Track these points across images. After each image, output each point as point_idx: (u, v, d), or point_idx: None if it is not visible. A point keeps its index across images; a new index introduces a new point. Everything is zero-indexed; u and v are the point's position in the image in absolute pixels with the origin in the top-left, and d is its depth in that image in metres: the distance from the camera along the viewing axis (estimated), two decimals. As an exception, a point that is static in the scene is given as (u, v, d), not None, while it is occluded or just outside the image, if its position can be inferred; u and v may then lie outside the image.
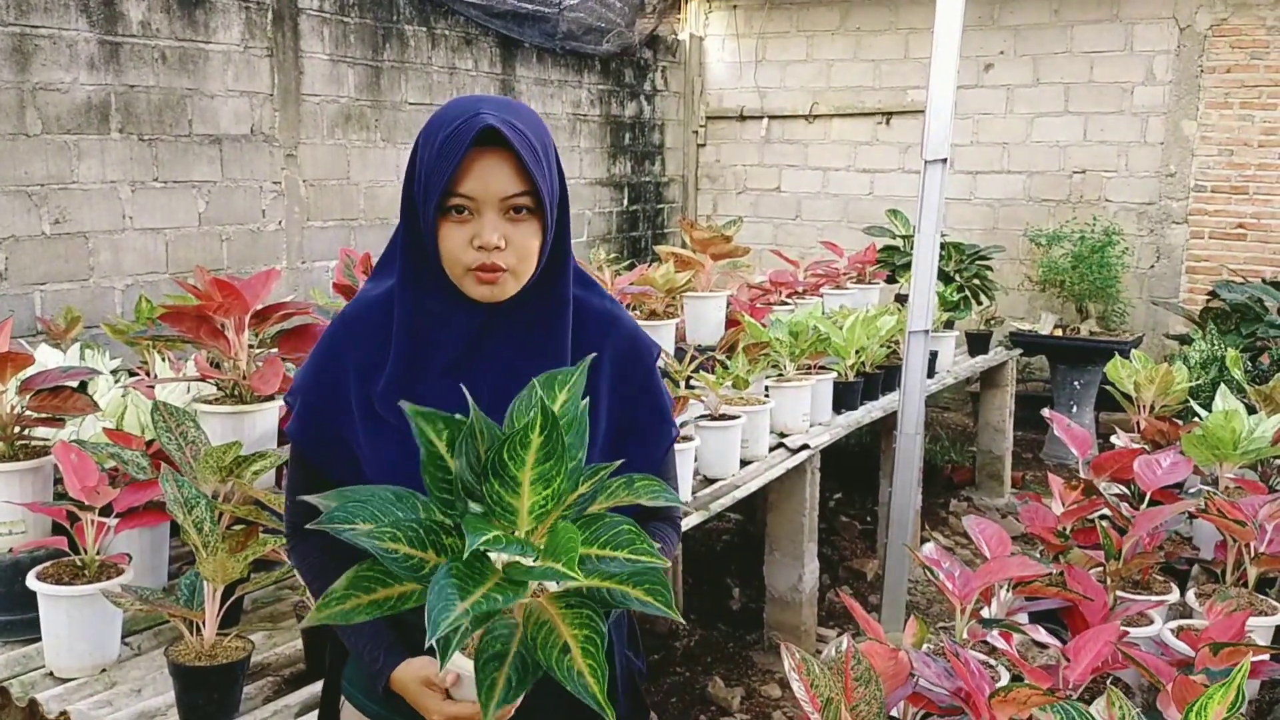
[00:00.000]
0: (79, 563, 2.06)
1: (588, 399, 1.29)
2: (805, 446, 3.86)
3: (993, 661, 1.82)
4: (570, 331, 1.49)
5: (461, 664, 1.28)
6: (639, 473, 1.32)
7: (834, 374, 4.21)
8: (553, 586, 1.23)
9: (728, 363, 3.68)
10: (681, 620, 1.21)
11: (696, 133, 8.41)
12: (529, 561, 1.17)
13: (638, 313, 4.04)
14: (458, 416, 1.22)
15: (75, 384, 2.30)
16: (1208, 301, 6.39)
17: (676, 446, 3.07)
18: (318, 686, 1.98)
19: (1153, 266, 7.01)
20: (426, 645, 1.07)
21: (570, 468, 1.20)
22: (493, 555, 1.20)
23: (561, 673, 1.12)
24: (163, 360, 2.95)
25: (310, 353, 1.53)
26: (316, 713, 1.68)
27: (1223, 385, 3.01)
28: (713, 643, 4.25)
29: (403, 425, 1.28)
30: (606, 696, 1.12)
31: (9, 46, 4.16)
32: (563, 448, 1.16)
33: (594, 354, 1.37)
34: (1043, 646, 1.89)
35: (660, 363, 2.50)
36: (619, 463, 1.28)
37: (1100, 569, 2.25)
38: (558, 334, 1.47)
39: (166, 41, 4.71)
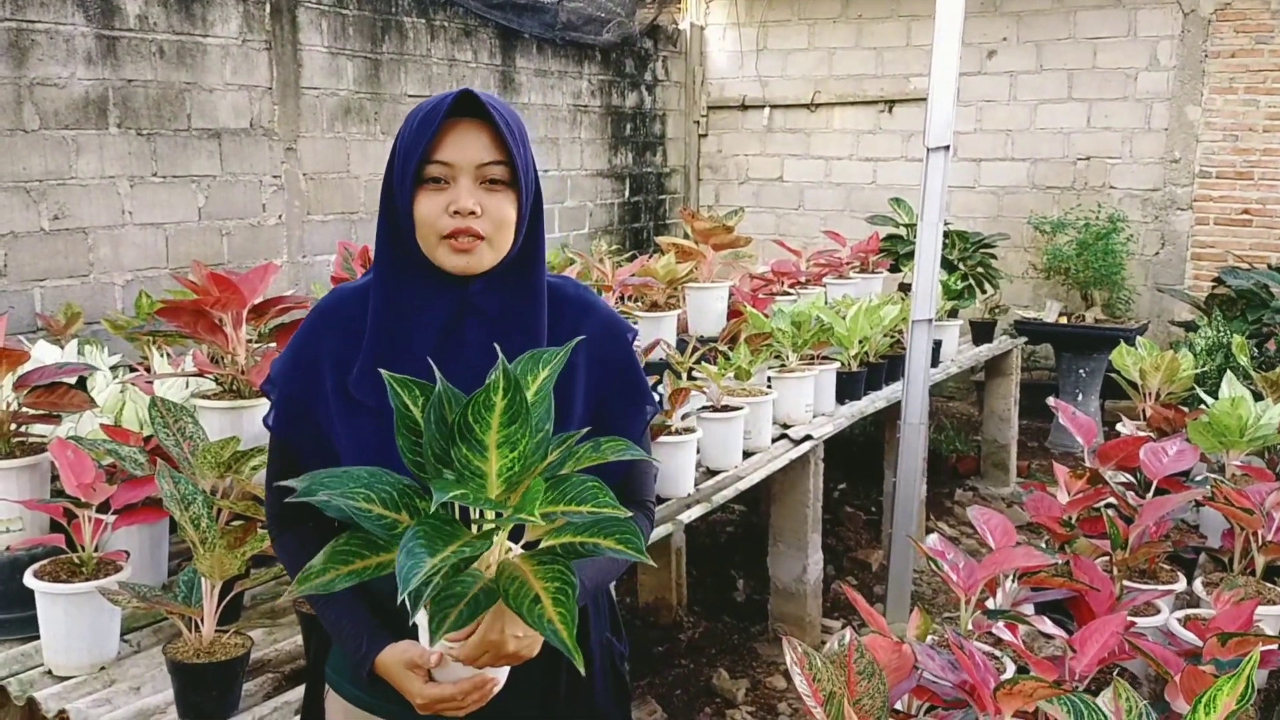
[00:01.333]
0: (77, 560, 2.04)
1: (558, 375, 1.31)
2: (808, 437, 3.84)
3: (998, 653, 1.80)
4: (546, 315, 1.51)
5: (445, 645, 1.30)
6: (612, 436, 1.33)
7: (837, 364, 4.19)
8: (523, 551, 1.27)
9: (730, 354, 3.66)
10: (651, 563, 1.24)
11: (698, 123, 8.38)
12: (495, 517, 1.21)
13: (639, 304, 4.02)
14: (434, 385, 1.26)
15: (72, 380, 2.29)
16: (1213, 288, 6.36)
17: (679, 439, 3.09)
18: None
19: (1158, 253, 6.98)
20: (398, 601, 1.10)
21: (539, 439, 1.24)
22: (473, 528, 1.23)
23: (533, 619, 1.15)
24: (161, 356, 2.93)
25: (285, 347, 1.55)
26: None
27: (1229, 372, 2.99)
28: (717, 634, 4.24)
29: (381, 410, 1.32)
30: (575, 640, 1.15)
31: (6, 41, 4.14)
32: (526, 410, 1.20)
33: (580, 337, 1.39)
34: (1048, 637, 1.87)
35: (661, 353, 2.46)
36: (585, 430, 1.31)
37: (1106, 558, 2.23)
38: (534, 318, 1.50)
39: (164, 35, 4.69)
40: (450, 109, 1.41)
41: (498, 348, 1.23)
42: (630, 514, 1.22)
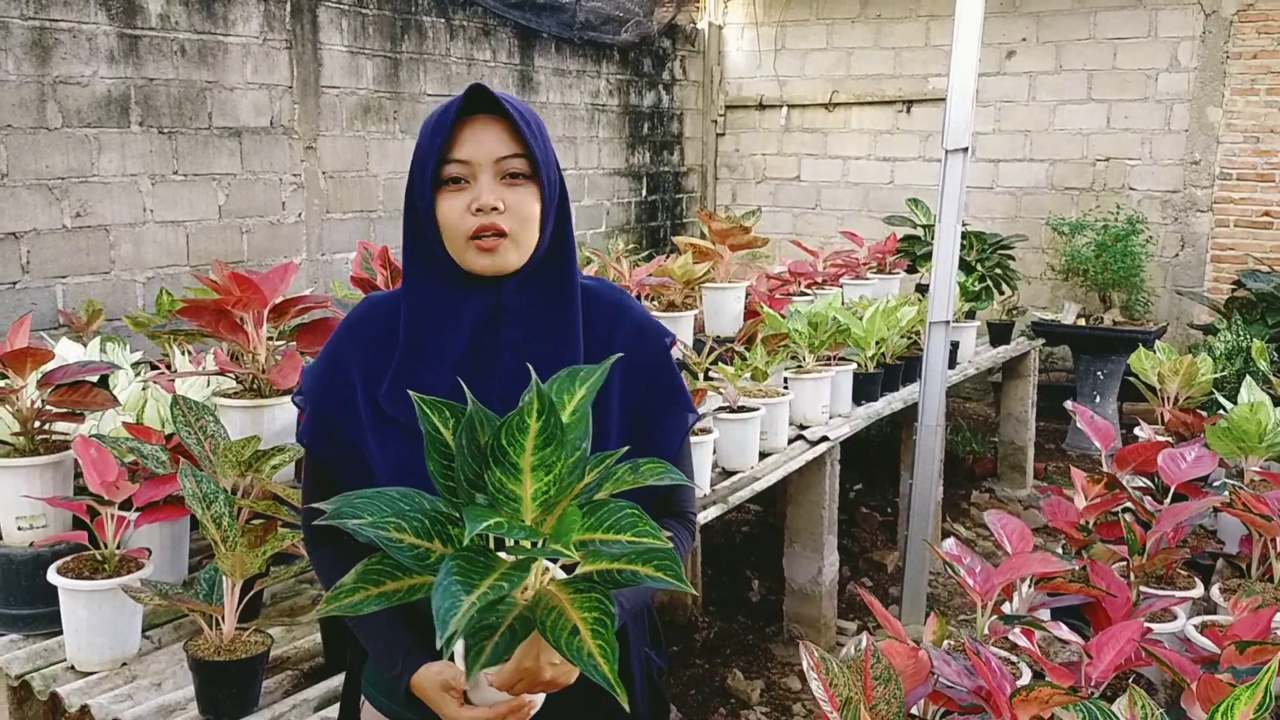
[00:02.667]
0: (99, 557, 2.07)
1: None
2: (825, 438, 3.84)
3: (1014, 658, 1.81)
4: (580, 318, 1.47)
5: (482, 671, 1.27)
6: (651, 457, 1.29)
7: (854, 365, 4.18)
8: (562, 576, 1.24)
9: (746, 354, 3.66)
10: (694, 593, 1.21)
11: (715, 122, 8.38)
12: (530, 546, 1.17)
13: (656, 304, 4.03)
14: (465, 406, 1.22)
15: (95, 379, 2.31)
16: (1233, 291, 6.32)
17: (695, 439, 3.09)
18: (336, 681, 1.99)
19: (1177, 255, 6.94)
20: (438, 646, 1.06)
21: (576, 459, 1.20)
22: (502, 552, 1.20)
23: (571, 653, 1.12)
24: (182, 354, 2.96)
25: (315, 358, 1.53)
26: (337, 710, 1.68)
27: (1248, 377, 2.98)
28: (732, 635, 4.25)
29: (412, 423, 1.28)
30: (618, 677, 1.11)
31: (29, 40, 4.17)
32: (562, 432, 1.16)
33: (618, 355, 1.34)
34: (1065, 643, 1.87)
35: (677, 353, 2.43)
36: (624, 450, 1.27)
37: (1123, 564, 2.23)
38: (568, 320, 1.46)
39: (185, 34, 4.72)
40: (464, 107, 1.39)
41: (531, 368, 1.18)
42: (670, 543, 1.17)
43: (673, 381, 1.55)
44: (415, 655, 1.37)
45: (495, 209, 1.38)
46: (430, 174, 1.39)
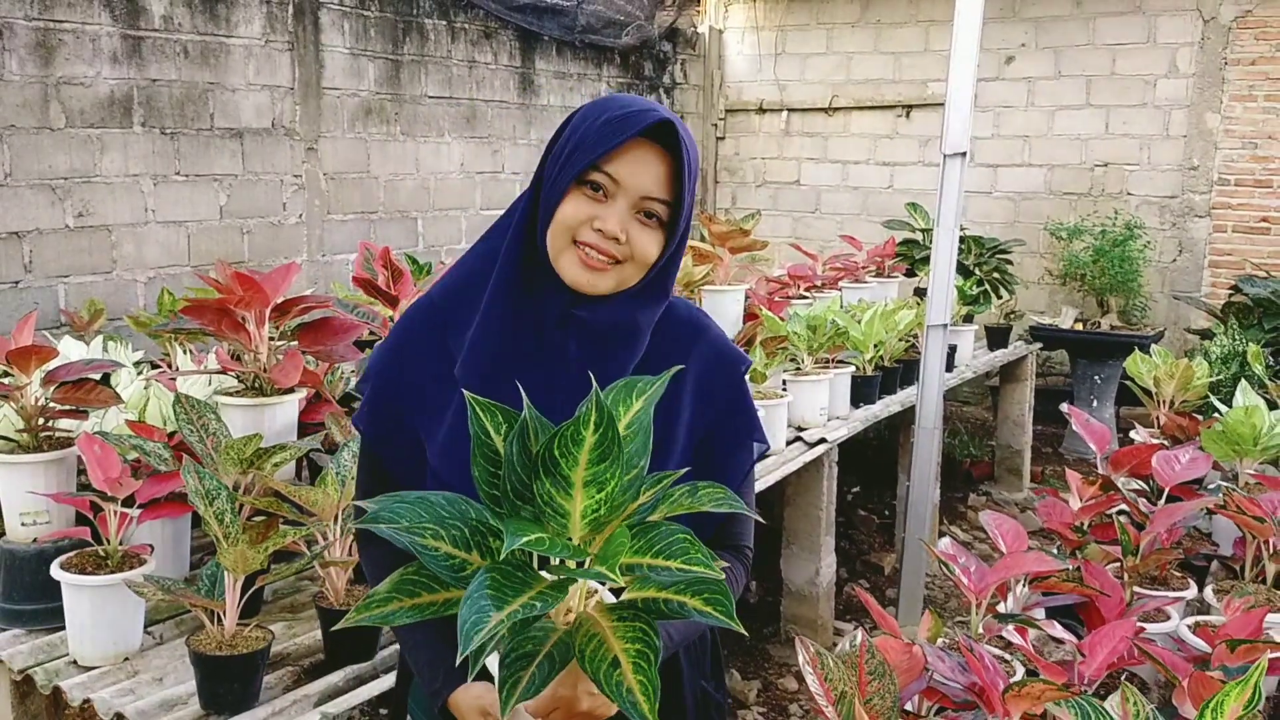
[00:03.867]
0: (102, 553, 2.08)
1: (660, 404, 1.21)
2: (823, 440, 3.85)
3: (1008, 656, 1.82)
4: (644, 349, 1.42)
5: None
6: (712, 482, 1.23)
7: (852, 368, 4.20)
8: (610, 599, 1.18)
9: (745, 356, 3.67)
10: (745, 632, 1.13)
11: (716, 125, 8.40)
12: (575, 566, 1.11)
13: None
14: (520, 412, 1.16)
15: (98, 376, 2.32)
16: (1230, 296, 6.33)
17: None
18: (336, 676, 2.01)
19: (1174, 260, 6.97)
20: (458, 660, 1.01)
21: (631, 477, 1.13)
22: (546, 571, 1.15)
23: (610, 688, 1.05)
24: (184, 353, 2.97)
25: (384, 338, 1.48)
26: (336, 705, 1.69)
27: (1244, 381, 3.00)
28: (729, 635, 4.26)
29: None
30: (656, 714, 1.05)
31: (33, 41, 4.20)
32: (619, 449, 1.10)
33: (679, 366, 1.29)
34: (1058, 642, 1.89)
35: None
36: (684, 470, 1.21)
37: (1117, 565, 2.24)
38: (640, 343, 1.41)
39: (188, 36, 4.75)
40: (645, 128, 1.30)
41: (592, 376, 1.13)
42: (723, 575, 1.10)
43: (745, 410, 1.49)
44: (456, 674, 1.30)
45: (616, 240, 1.32)
46: (576, 169, 1.31)
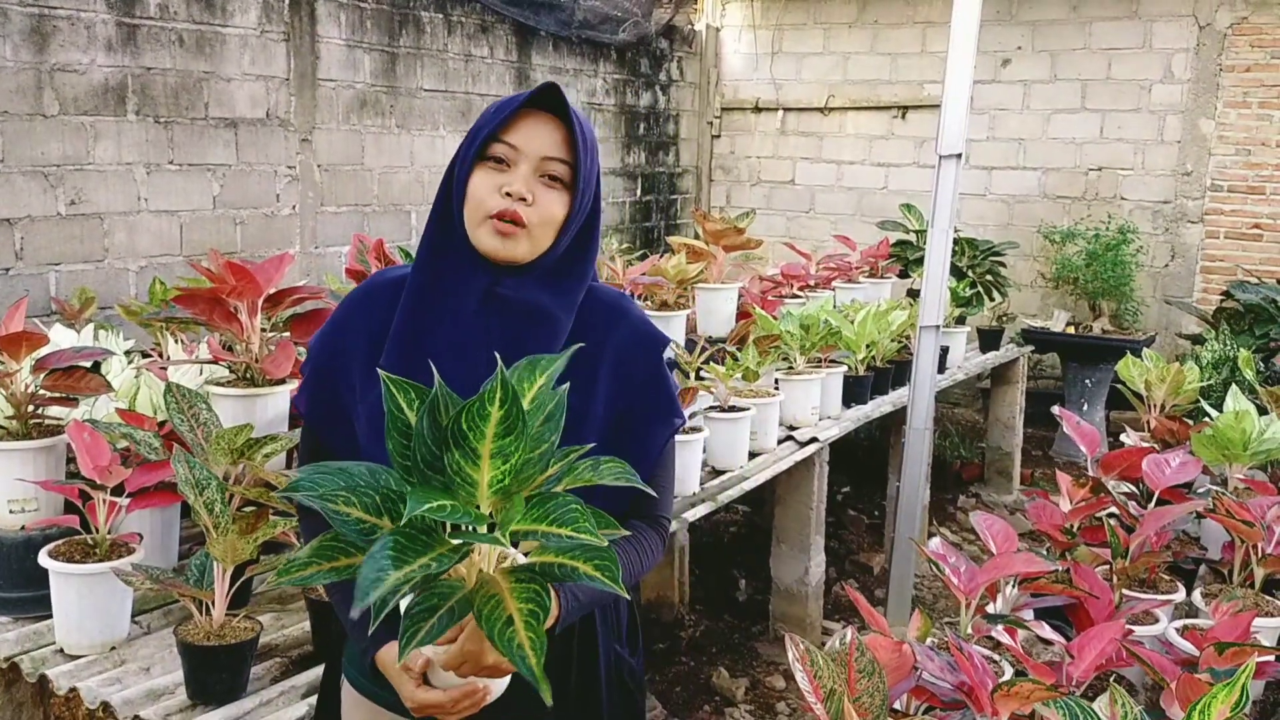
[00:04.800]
0: (90, 541, 2.07)
1: (566, 385, 1.28)
2: (814, 440, 3.86)
3: (997, 657, 1.83)
4: (571, 322, 1.50)
5: (431, 652, 1.30)
6: (627, 461, 1.30)
7: (844, 368, 4.21)
8: (510, 563, 1.26)
9: (738, 354, 3.68)
10: (625, 594, 1.21)
11: (711, 124, 8.40)
12: (478, 531, 1.19)
13: (649, 303, 4.04)
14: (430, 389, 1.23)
15: (89, 364, 2.32)
16: (1221, 301, 6.36)
17: (685, 438, 3.11)
18: (324, 668, 2.00)
19: (1167, 265, 6.99)
20: (353, 616, 1.09)
21: (541, 451, 1.21)
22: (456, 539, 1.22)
23: (502, 644, 1.12)
24: (175, 342, 2.96)
25: (325, 323, 1.57)
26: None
27: (1234, 386, 3.01)
28: (718, 633, 4.27)
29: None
30: (542, 669, 1.12)
31: (28, 27, 4.18)
32: (523, 423, 1.17)
33: (579, 344, 1.36)
34: (1047, 643, 1.90)
35: (669, 354, 2.46)
36: (590, 446, 1.29)
37: (1107, 567, 2.25)
38: (560, 321, 1.49)
39: (184, 24, 4.73)
40: (532, 99, 1.43)
41: (498, 356, 1.21)
42: (605, 542, 1.17)
43: (663, 388, 1.56)
44: (380, 632, 1.36)
45: (523, 199, 1.41)
46: (478, 146, 1.43)
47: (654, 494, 1.41)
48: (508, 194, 1.41)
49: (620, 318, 1.55)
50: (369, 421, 1.45)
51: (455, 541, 1.19)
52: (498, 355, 1.21)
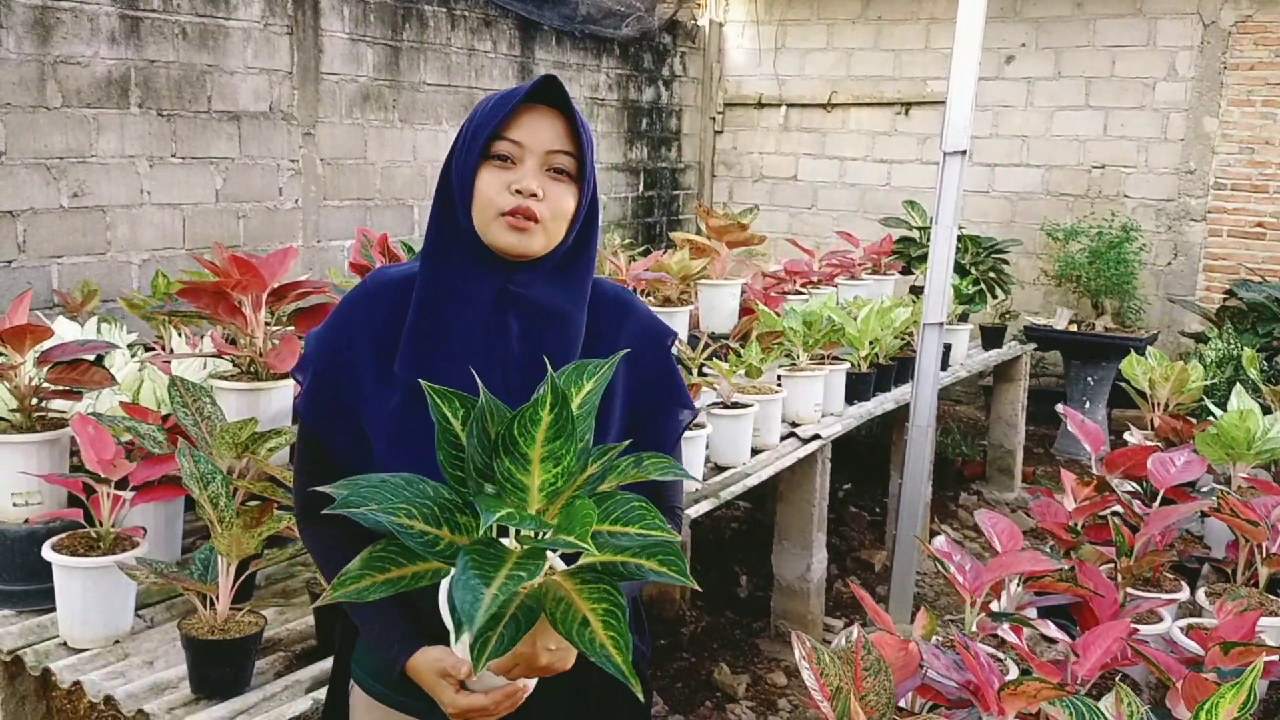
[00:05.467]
0: (94, 535, 2.07)
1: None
2: (816, 436, 3.85)
3: (1001, 655, 1.82)
4: (584, 319, 1.49)
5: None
6: (655, 453, 1.32)
7: (847, 365, 4.20)
8: (560, 565, 1.25)
9: (741, 351, 3.68)
10: (698, 587, 1.22)
11: (714, 119, 8.39)
12: (535, 535, 1.18)
13: (652, 299, 4.04)
14: (473, 397, 1.23)
15: (93, 357, 2.31)
16: (1225, 300, 6.37)
17: (688, 434, 3.10)
18: (328, 663, 2.00)
19: (1170, 264, 6.98)
20: (469, 643, 1.07)
21: (579, 448, 1.21)
22: (505, 540, 1.21)
23: (584, 644, 1.13)
24: (179, 336, 2.96)
25: (322, 323, 1.53)
26: (325, 691, 1.69)
27: (1238, 384, 3.00)
28: (719, 629, 4.27)
29: (419, 392, 1.29)
30: (630, 665, 1.13)
31: (31, 19, 4.17)
32: (572, 426, 1.18)
33: (625, 350, 1.38)
34: (1051, 641, 1.90)
35: (673, 349, 2.45)
36: (627, 443, 1.30)
37: (1111, 565, 2.25)
38: (575, 316, 1.48)
39: (187, 17, 4.72)
40: (530, 94, 1.42)
41: (548, 360, 1.21)
42: (678, 537, 1.19)
43: (673, 380, 1.57)
44: (411, 639, 1.38)
45: (535, 195, 1.40)
46: (481, 144, 1.41)
47: (681, 482, 1.43)
48: (518, 191, 1.39)
49: (627, 313, 1.55)
50: (387, 427, 1.42)
51: (522, 549, 1.19)
52: (546, 360, 1.22)
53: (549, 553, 1.24)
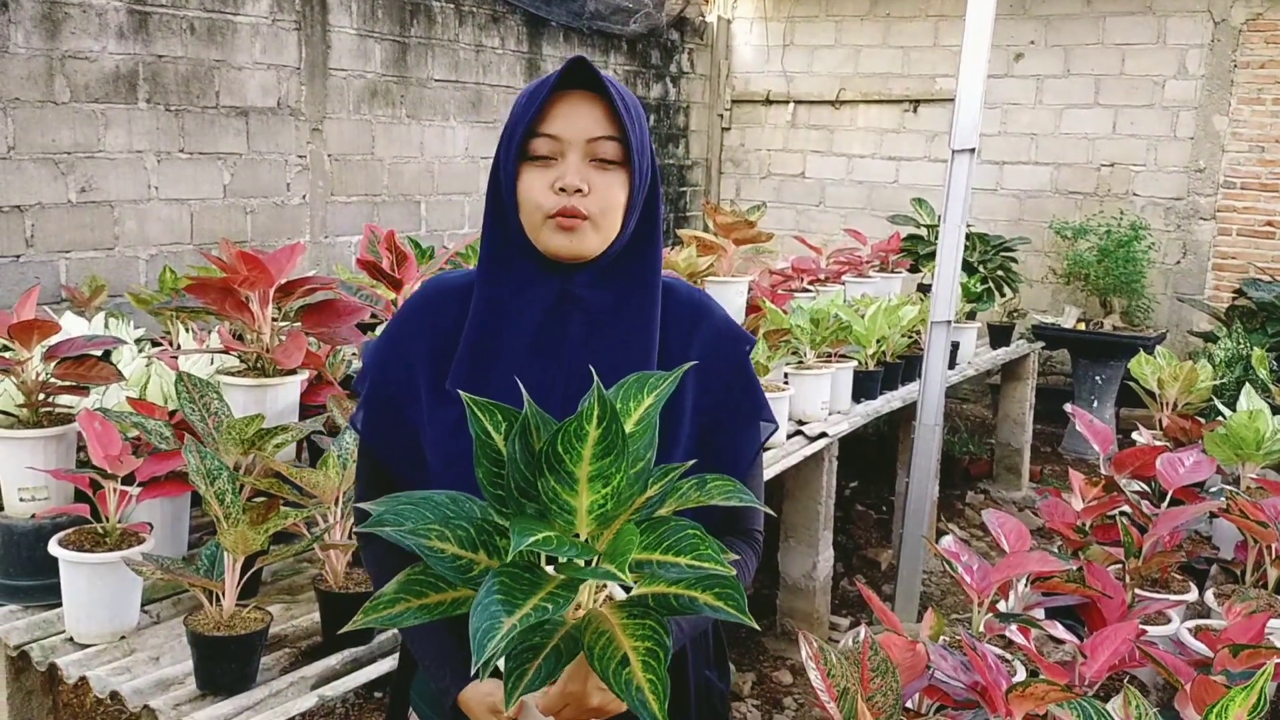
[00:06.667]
0: (100, 530, 2.07)
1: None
2: (823, 434, 3.85)
3: (1009, 656, 1.82)
4: (658, 314, 1.39)
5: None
6: (721, 474, 1.20)
7: (854, 363, 4.19)
8: (619, 594, 1.17)
9: (748, 348, 3.66)
10: (757, 627, 1.11)
11: (721, 116, 8.38)
12: (583, 564, 1.09)
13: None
14: (520, 410, 1.13)
15: (100, 353, 2.31)
16: (1234, 299, 6.33)
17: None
18: (334, 659, 2.00)
19: (1179, 262, 6.96)
20: (472, 671, 0.99)
21: (638, 470, 1.11)
22: (550, 566, 1.14)
23: (619, 686, 1.04)
24: (186, 331, 2.96)
25: (379, 334, 1.46)
26: (332, 688, 1.69)
27: (1247, 384, 2.99)
28: (725, 627, 4.25)
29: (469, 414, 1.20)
30: (665, 713, 1.04)
31: (39, 14, 4.17)
32: (623, 442, 1.07)
33: (692, 363, 1.27)
34: (1058, 642, 1.89)
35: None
36: (691, 463, 1.18)
37: (1119, 566, 2.24)
38: (645, 316, 1.38)
39: (195, 12, 4.72)
40: (562, 80, 1.30)
41: (594, 370, 1.09)
42: (734, 570, 1.09)
43: (751, 389, 1.46)
44: (464, 670, 1.30)
45: (579, 191, 1.30)
46: (517, 145, 1.31)
47: (759, 507, 1.31)
48: (561, 189, 1.30)
49: (703, 317, 1.44)
50: (438, 445, 1.35)
51: (560, 577, 1.09)
52: (591, 369, 1.12)
53: (611, 582, 1.15)
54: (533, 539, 1.03)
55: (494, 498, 1.14)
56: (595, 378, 1.07)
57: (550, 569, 1.11)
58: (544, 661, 1.08)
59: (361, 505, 1.16)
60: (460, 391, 1.16)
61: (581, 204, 1.31)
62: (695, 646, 1.49)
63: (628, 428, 1.11)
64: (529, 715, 1.24)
